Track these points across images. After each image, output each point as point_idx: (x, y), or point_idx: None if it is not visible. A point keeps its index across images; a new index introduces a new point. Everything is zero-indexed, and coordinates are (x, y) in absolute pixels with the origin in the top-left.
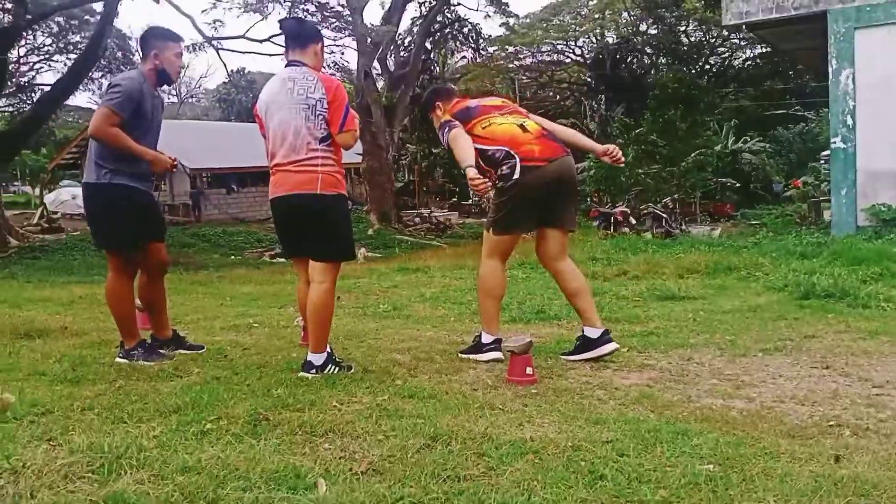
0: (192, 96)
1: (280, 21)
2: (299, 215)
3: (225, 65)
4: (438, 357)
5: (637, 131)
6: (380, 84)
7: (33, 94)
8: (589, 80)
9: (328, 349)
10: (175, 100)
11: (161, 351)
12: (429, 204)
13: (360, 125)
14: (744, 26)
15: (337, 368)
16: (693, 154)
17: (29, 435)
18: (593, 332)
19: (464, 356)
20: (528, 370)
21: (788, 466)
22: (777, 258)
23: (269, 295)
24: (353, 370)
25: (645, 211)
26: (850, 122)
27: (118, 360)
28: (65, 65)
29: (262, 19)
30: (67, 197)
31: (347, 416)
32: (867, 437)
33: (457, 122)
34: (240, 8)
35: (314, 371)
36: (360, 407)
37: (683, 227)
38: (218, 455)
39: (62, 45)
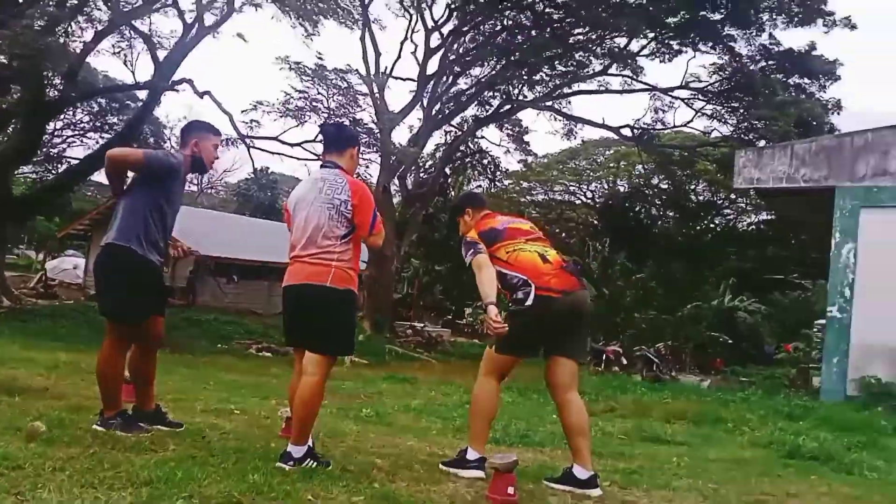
0: (212, 187)
1: (322, 125)
2: (307, 305)
3: (253, 161)
4: (418, 466)
5: (638, 276)
6: (395, 199)
7: (59, 165)
8: (596, 222)
9: (310, 443)
10: (195, 188)
11: (140, 424)
12: (423, 318)
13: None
14: (752, 191)
15: (315, 463)
16: (690, 305)
17: (6, 489)
18: (582, 474)
19: (445, 468)
20: (510, 490)
21: None
22: (765, 416)
23: (252, 385)
24: (330, 467)
25: (637, 353)
26: (847, 293)
27: (95, 427)
28: (97, 142)
29: (296, 125)
30: (69, 266)
31: None
32: None
33: (482, 248)
34: (279, 113)
35: (292, 463)
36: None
37: (673, 373)
38: None
39: (99, 124)
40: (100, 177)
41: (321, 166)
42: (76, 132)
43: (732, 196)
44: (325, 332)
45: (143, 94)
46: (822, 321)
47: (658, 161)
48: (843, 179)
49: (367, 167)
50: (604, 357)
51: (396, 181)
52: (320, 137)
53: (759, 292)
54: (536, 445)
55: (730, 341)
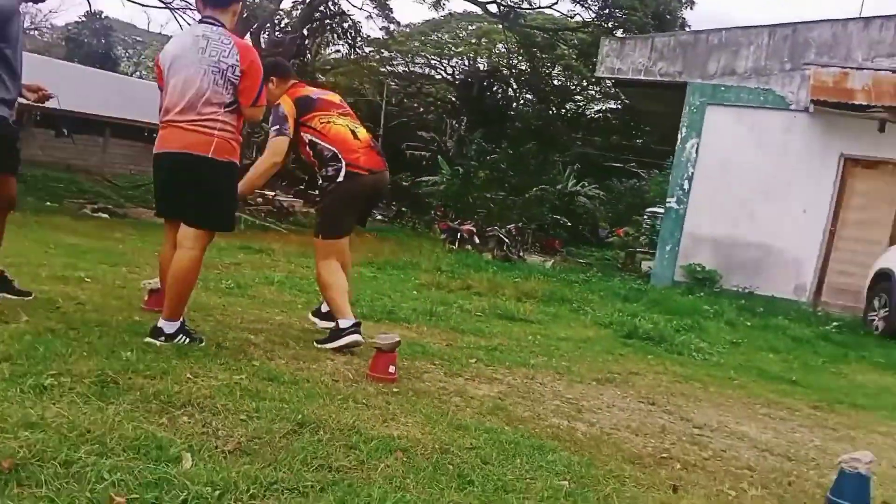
0: (35, 28)
1: None
2: (186, 175)
3: (90, 3)
4: (293, 343)
5: (492, 156)
6: None
7: None
8: (454, 99)
9: (182, 319)
10: None
11: None
12: (274, 187)
13: None
14: (611, 81)
15: (188, 339)
16: (536, 188)
17: None
18: (345, 323)
19: (322, 346)
20: (391, 369)
21: (634, 490)
22: (604, 297)
23: (98, 250)
24: (203, 343)
25: (490, 232)
26: (686, 186)
27: None
28: None
29: None
30: None
31: (204, 390)
32: (695, 473)
33: (289, 131)
34: None
35: (163, 339)
36: (217, 383)
37: (521, 253)
38: (64, 414)
39: None
40: None
41: (200, 21)
42: None
43: (584, 83)
44: (205, 206)
45: None
46: (653, 209)
47: (521, 41)
48: (695, 76)
49: None
50: (458, 236)
51: (249, 39)
52: None
53: (599, 178)
54: (402, 321)
55: (568, 224)
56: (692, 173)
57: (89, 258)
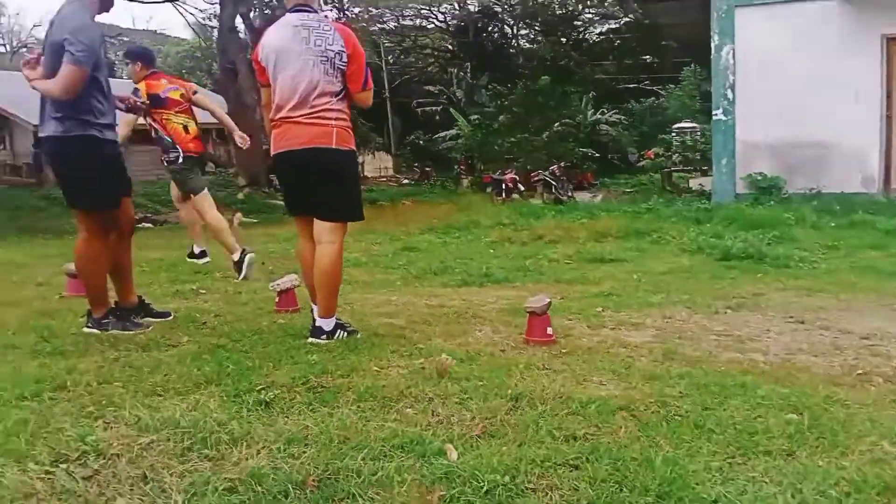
0: (24, 46)
1: None
2: (313, 170)
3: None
4: (432, 321)
5: (510, 98)
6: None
7: None
8: (451, 47)
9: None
10: (3, 49)
11: (136, 320)
12: None
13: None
14: None
15: (346, 333)
16: (556, 125)
17: (75, 412)
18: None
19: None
20: (549, 330)
21: (867, 412)
22: (676, 222)
23: (183, 261)
24: (359, 334)
25: (536, 177)
26: (730, 95)
27: (87, 329)
28: None
29: None
30: None
31: (400, 380)
32: None
33: (135, 104)
34: None
35: (325, 337)
36: (404, 371)
37: (570, 193)
38: (306, 424)
39: None
40: None
41: (293, 9)
42: None
43: (580, 7)
44: (335, 198)
45: None
46: (679, 125)
47: None
48: None
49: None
50: (503, 186)
51: (240, 20)
52: None
53: (615, 103)
54: (504, 281)
55: (596, 154)
56: (733, 81)
57: (183, 269)
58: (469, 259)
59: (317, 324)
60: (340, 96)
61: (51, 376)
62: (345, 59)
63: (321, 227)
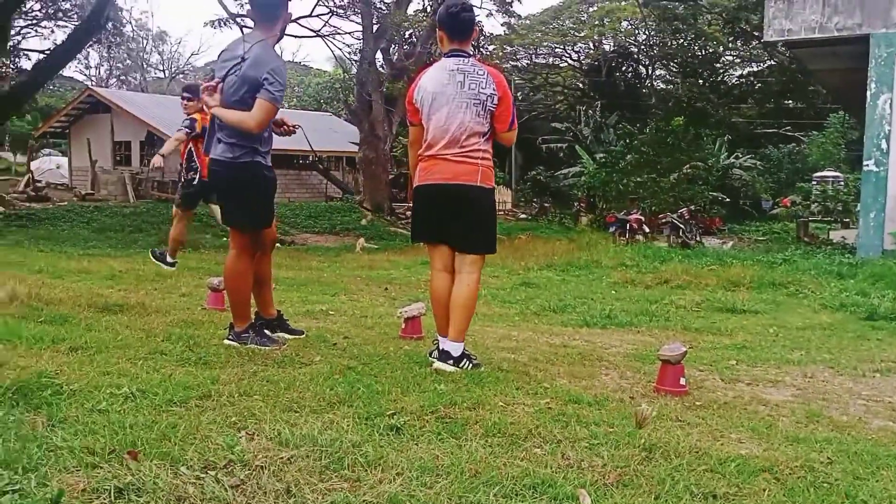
0: (182, 73)
1: (448, 7)
2: (457, 204)
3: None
4: (555, 360)
5: (640, 138)
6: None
7: (17, 59)
8: (582, 85)
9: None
10: (162, 75)
11: (272, 336)
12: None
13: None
14: (780, 44)
15: (471, 364)
16: (687, 166)
17: (220, 421)
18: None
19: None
20: (682, 381)
21: None
22: (815, 276)
23: (312, 282)
24: (482, 368)
25: (663, 219)
26: (884, 146)
27: (227, 342)
28: (52, 31)
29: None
30: (52, 166)
31: (527, 418)
32: None
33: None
34: None
35: (451, 362)
36: (530, 409)
37: (698, 237)
38: (437, 454)
39: (51, 11)
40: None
41: (449, 55)
42: (28, 21)
43: (721, 50)
44: (477, 232)
45: None
46: (821, 174)
47: (660, 16)
48: (878, 26)
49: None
50: (627, 226)
51: (380, 55)
52: (451, 23)
53: (751, 147)
54: (627, 325)
55: (727, 200)
56: (889, 131)
57: (312, 289)
58: (590, 299)
59: (444, 347)
60: (487, 136)
61: (197, 384)
62: (495, 102)
63: (463, 259)
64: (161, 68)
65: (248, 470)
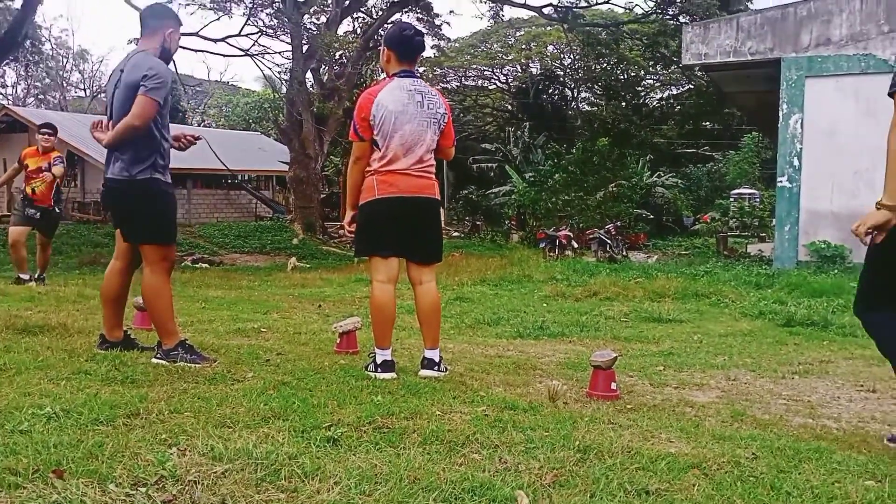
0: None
1: (406, 31)
2: (419, 216)
3: (174, 62)
4: (490, 369)
5: (567, 157)
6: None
7: None
8: (510, 107)
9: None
10: (83, 94)
11: (203, 354)
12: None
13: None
14: (697, 67)
15: (446, 368)
16: (612, 185)
17: (149, 439)
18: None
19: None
20: (613, 385)
21: None
22: (735, 286)
23: (243, 300)
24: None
25: (591, 235)
26: (796, 163)
27: (156, 360)
28: None
29: (216, 19)
30: None
31: (463, 425)
32: None
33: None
34: (196, 4)
35: (437, 368)
36: (467, 417)
37: (624, 252)
38: (376, 463)
39: None
40: None
41: (402, 75)
42: None
43: (642, 73)
44: (436, 242)
45: None
46: (738, 191)
47: (583, 40)
48: (789, 50)
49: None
50: (556, 242)
51: (310, 75)
52: (404, 45)
53: (672, 166)
54: (560, 335)
55: (651, 216)
56: (800, 149)
57: (242, 308)
58: (523, 312)
59: (428, 356)
60: (433, 152)
61: (124, 403)
62: (446, 120)
63: (422, 270)
64: (82, 87)
65: (181, 485)
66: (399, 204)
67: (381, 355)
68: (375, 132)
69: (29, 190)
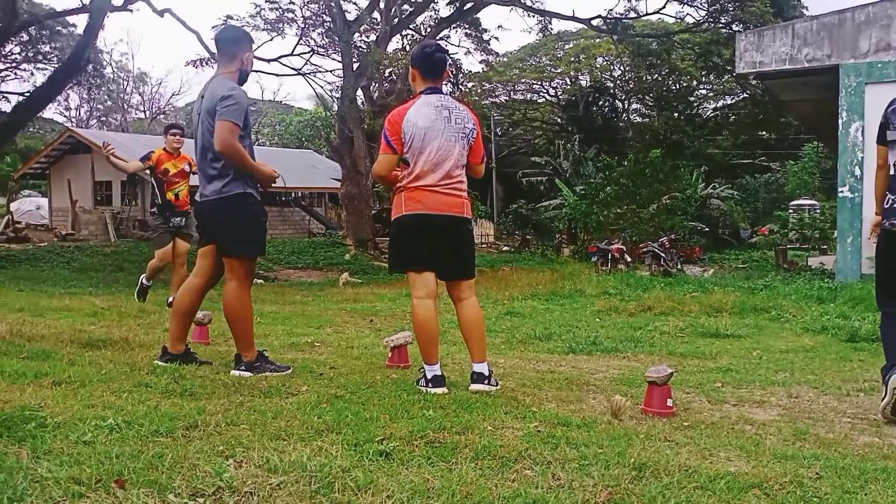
0: (163, 113)
1: (430, 50)
2: (448, 234)
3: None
4: (543, 384)
5: (618, 170)
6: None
7: None
8: (560, 120)
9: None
10: (143, 115)
11: (279, 364)
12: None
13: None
14: (752, 76)
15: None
16: (665, 197)
17: (207, 450)
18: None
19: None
20: (669, 402)
21: None
22: (796, 301)
23: (297, 315)
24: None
25: (645, 249)
26: (857, 172)
27: (238, 373)
28: (32, 73)
29: (269, 40)
30: (31, 207)
31: (516, 441)
32: None
33: None
34: (250, 26)
35: (487, 382)
36: (519, 433)
37: (679, 266)
38: (428, 478)
39: (31, 54)
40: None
41: (428, 92)
42: (7, 65)
43: (694, 83)
44: (470, 259)
45: (76, 18)
46: (797, 202)
47: (633, 52)
48: (847, 57)
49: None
50: (609, 256)
51: (361, 92)
52: (427, 63)
53: (728, 178)
54: (613, 351)
55: (706, 229)
56: (861, 158)
57: (296, 322)
58: (575, 327)
59: (478, 370)
60: (464, 168)
61: (183, 415)
62: (475, 136)
63: (458, 287)
64: (142, 108)
65: (237, 496)
66: (425, 221)
67: (431, 371)
68: (406, 149)
69: (171, 196)
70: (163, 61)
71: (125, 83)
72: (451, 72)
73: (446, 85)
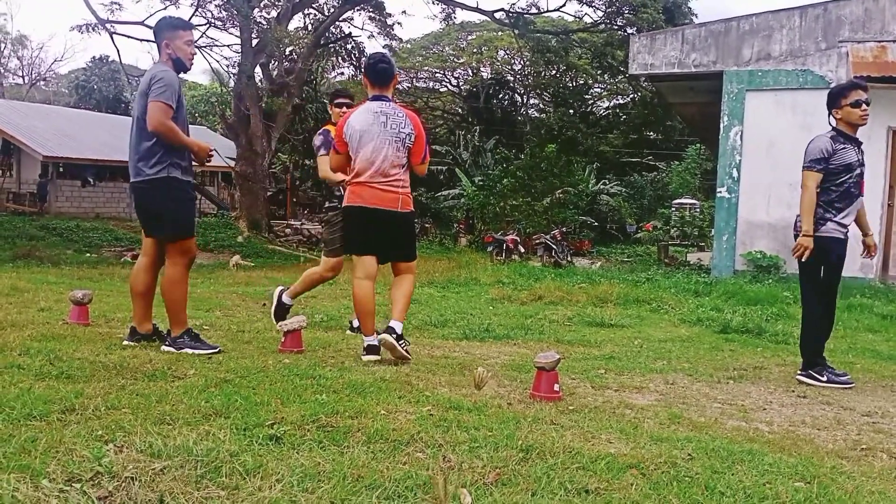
0: (43, 79)
1: (376, 61)
2: (383, 224)
3: (118, 51)
4: (436, 369)
5: (516, 163)
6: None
7: None
8: (461, 110)
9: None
10: (21, 81)
11: (207, 342)
12: (298, 216)
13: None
14: (643, 77)
15: (406, 344)
16: (559, 191)
17: (85, 434)
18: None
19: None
20: (556, 387)
21: (873, 485)
22: (675, 294)
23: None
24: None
25: (537, 240)
26: (735, 174)
27: (165, 348)
28: None
29: (163, 8)
30: None
31: (409, 424)
32: None
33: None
34: None
35: (394, 336)
36: (412, 416)
37: (569, 258)
38: (318, 462)
39: None
40: None
41: (373, 99)
42: None
43: (589, 82)
44: (410, 245)
45: None
46: (680, 201)
47: (533, 47)
48: (731, 64)
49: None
50: (504, 246)
51: (260, 70)
52: (371, 72)
53: (617, 175)
54: (504, 338)
55: (595, 223)
56: (739, 161)
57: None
58: (469, 314)
59: (392, 325)
60: (405, 168)
61: (59, 398)
62: (412, 139)
63: (400, 267)
64: (20, 74)
65: (117, 481)
66: (362, 213)
67: (367, 341)
68: (349, 149)
69: None
70: (45, 24)
71: (3, 46)
72: (398, 79)
73: (348, 66)
